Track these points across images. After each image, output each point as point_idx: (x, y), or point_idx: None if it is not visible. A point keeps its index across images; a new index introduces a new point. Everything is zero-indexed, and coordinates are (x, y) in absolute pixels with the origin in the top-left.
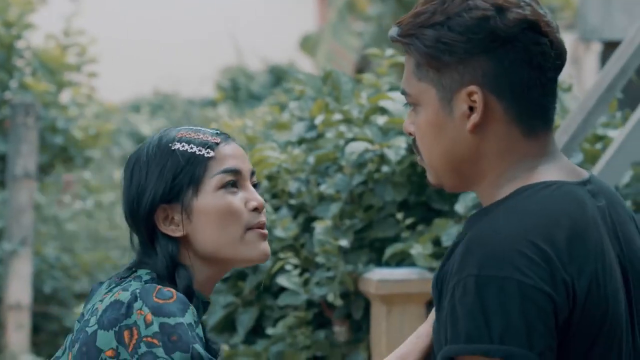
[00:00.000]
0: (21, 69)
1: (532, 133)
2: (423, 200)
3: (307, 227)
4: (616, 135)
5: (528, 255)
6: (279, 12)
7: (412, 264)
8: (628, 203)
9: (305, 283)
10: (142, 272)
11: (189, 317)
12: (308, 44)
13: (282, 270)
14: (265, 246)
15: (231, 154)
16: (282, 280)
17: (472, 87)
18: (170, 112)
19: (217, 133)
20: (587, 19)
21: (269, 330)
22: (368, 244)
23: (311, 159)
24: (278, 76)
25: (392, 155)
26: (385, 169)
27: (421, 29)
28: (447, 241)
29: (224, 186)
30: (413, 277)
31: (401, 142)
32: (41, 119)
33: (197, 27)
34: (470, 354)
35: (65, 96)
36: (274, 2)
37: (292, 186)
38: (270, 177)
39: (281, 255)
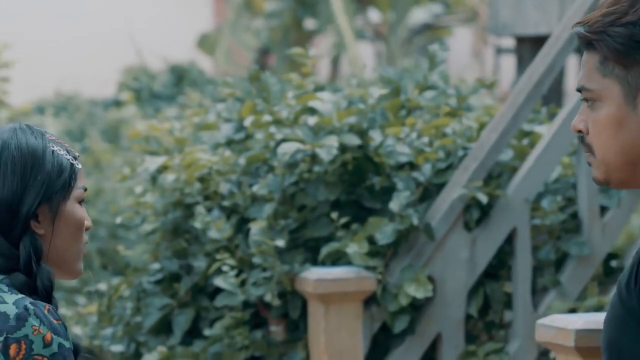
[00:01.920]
0: None
1: None
2: (355, 198)
3: (240, 228)
4: (543, 130)
5: None
6: (175, 10)
7: (347, 262)
8: (558, 198)
9: (242, 284)
10: None
11: (69, 341)
12: (206, 43)
13: (217, 271)
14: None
15: (81, 173)
16: (218, 282)
17: None
18: (75, 113)
19: (70, 147)
20: (498, 14)
21: (206, 332)
22: (303, 244)
23: (242, 160)
24: (179, 75)
25: (324, 154)
26: (317, 168)
27: (612, 27)
28: (382, 239)
29: (80, 201)
30: (350, 275)
31: (333, 142)
32: None
33: (95, 26)
34: None
35: None
36: (169, 0)
37: (224, 188)
38: (201, 179)
39: (217, 256)
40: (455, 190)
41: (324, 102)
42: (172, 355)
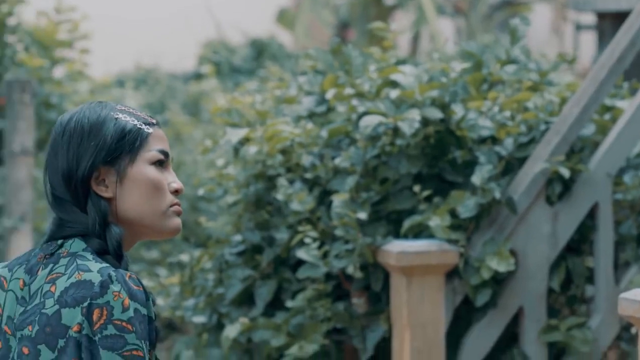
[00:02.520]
0: (13, 46)
1: None
2: (437, 172)
3: (322, 201)
4: (625, 105)
5: None
6: None
7: (429, 236)
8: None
9: (324, 256)
10: (77, 247)
11: (149, 309)
12: (285, 18)
13: (299, 243)
14: (179, 222)
15: (163, 138)
16: (301, 253)
17: None
18: (154, 86)
19: (150, 116)
20: None
21: (289, 303)
22: (385, 217)
23: (324, 133)
24: (259, 49)
25: (406, 128)
26: (399, 141)
27: None
28: (464, 213)
29: (155, 163)
30: (433, 248)
31: (415, 115)
32: (36, 95)
33: (175, 1)
34: None
35: (58, 72)
36: None
37: (306, 160)
38: (284, 152)
39: (299, 228)
40: (537, 164)
41: (406, 75)
42: (254, 327)
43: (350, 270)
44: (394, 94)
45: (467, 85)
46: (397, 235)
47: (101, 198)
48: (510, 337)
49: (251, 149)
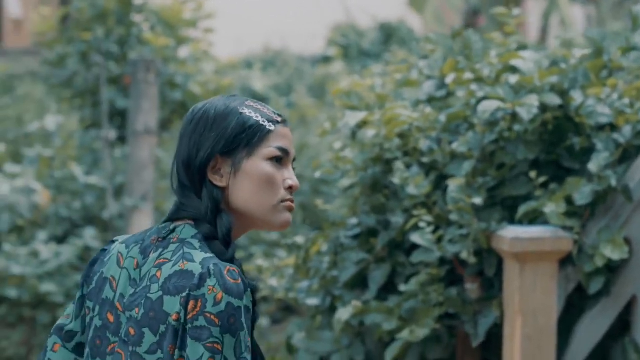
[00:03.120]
0: (139, 25)
1: None
2: (554, 158)
3: (439, 185)
4: None
5: None
6: None
7: (544, 222)
8: None
9: (439, 240)
10: (187, 234)
11: (247, 299)
12: (417, 2)
13: (414, 227)
14: (290, 216)
15: (285, 136)
16: (415, 238)
17: None
18: (282, 68)
19: (279, 114)
20: None
21: (402, 287)
22: (500, 202)
23: (442, 118)
24: (388, 33)
25: (524, 113)
26: (517, 127)
27: None
28: (580, 200)
29: (272, 159)
30: (547, 235)
31: (533, 101)
32: (161, 74)
33: None
34: None
35: (183, 52)
36: None
37: (424, 144)
38: (401, 135)
39: (414, 212)
40: None
41: (526, 61)
42: (367, 310)
43: (464, 255)
44: (513, 79)
45: (587, 72)
46: (512, 221)
47: (215, 186)
48: (622, 326)
49: (369, 132)
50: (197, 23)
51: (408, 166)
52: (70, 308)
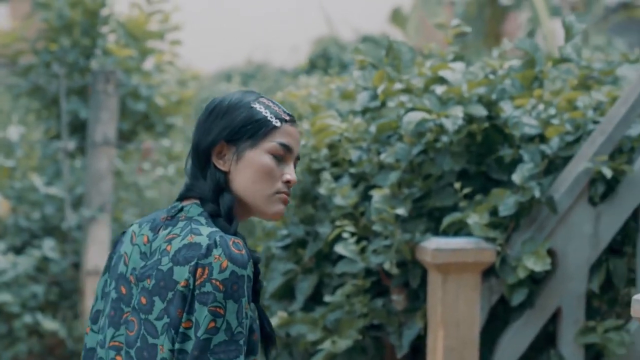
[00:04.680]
0: (105, 36)
1: None
2: (482, 170)
3: (367, 196)
4: None
5: None
6: None
7: (469, 233)
8: None
9: (363, 251)
10: (194, 212)
11: (249, 269)
12: (398, 17)
13: (340, 238)
14: (283, 208)
15: (290, 134)
16: (339, 248)
17: None
18: (262, 81)
19: (289, 113)
20: None
21: (327, 298)
22: (426, 213)
23: (373, 128)
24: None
25: (449, 125)
26: (444, 138)
27: None
28: (503, 211)
29: (273, 153)
30: (469, 246)
31: (458, 112)
32: (122, 85)
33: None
34: None
35: (148, 63)
36: None
37: (354, 155)
38: (331, 146)
39: (337, 222)
40: (580, 163)
41: (455, 72)
42: (292, 321)
43: (387, 266)
44: (440, 90)
45: (517, 83)
46: (437, 232)
47: (218, 170)
48: (547, 337)
49: None
50: (164, 35)
51: (338, 177)
52: (98, 290)
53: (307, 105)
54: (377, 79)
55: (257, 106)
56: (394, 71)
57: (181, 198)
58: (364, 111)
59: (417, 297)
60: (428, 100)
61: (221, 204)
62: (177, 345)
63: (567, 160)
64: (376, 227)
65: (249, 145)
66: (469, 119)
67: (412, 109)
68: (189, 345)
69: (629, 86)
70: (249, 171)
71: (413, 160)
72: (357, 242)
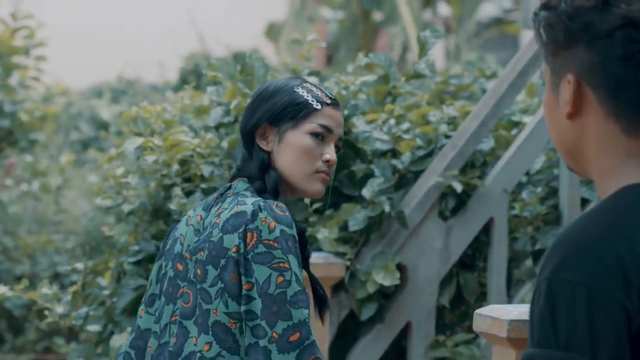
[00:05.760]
0: None
1: (635, 132)
2: (335, 185)
3: None
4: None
5: (604, 261)
6: None
7: (320, 248)
8: (538, 189)
9: None
10: (241, 188)
11: (295, 230)
12: (273, 32)
13: None
14: (322, 187)
15: (331, 116)
16: None
17: (570, 76)
18: (133, 97)
19: (331, 97)
20: (529, 6)
21: None
22: None
23: (225, 144)
24: (241, 63)
25: None
26: None
27: (542, 10)
28: (353, 226)
29: (313, 134)
30: (319, 261)
31: None
32: None
33: (164, 14)
34: (538, 357)
35: (13, 79)
36: None
37: (205, 170)
38: (183, 162)
39: None
40: (431, 178)
41: None
42: None
43: None
44: None
45: (371, 99)
46: None
47: (262, 150)
48: (397, 352)
49: (149, 159)
50: (29, 51)
51: (190, 192)
52: (153, 275)
53: (161, 121)
54: (229, 94)
55: (299, 90)
56: (246, 87)
57: (232, 179)
58: (218, 126)
59: None
60: None
61: (267, 181)
62: (243, 308)
63: (418, 174)
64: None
65: (290, 127)
66: None
67: None
68: (256, 305)
69: (480, 101)
70: (290, 151)
71: None
72: None
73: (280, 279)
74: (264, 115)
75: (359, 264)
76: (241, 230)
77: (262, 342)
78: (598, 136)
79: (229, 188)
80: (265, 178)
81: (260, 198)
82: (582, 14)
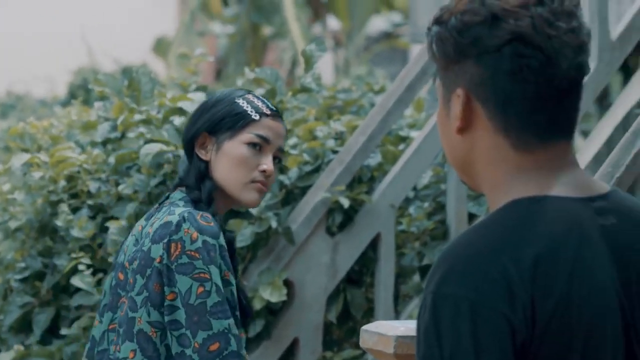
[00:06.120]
0: None
1: (525, 147)
2: None
3: (105, 227)
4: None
5: (489, 274)
6: (139, 13)
7: None
8: (425, 205)
9: (99, 283)
10: (176, 197)
11: (222, 239)
12: (161, 47)
13: (77, 270)
14: (257, 197)
15: (269, 127)
16: (75, 281)
17: (460, 90)
18: (21, 112)
19: (272, 109)
20: (417, 21)
21: (63, 331)
22: None
23: (112, 160)
24: (130, 77)
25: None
26: None
27: (433, 25)
28: (240, 242)
29: (250, 144)
30: None
31: None
32: None
33: (53, 28)
34: None
35: None
36: (134, 2)
37: (92, 186)
38: (70, 177)
39: (73, 255)
40: (318, 193)
41: (194, 102)
42: (28, 354)
43: None
44: (178, 121)
45: None
46: None
47: (200, 159)
48: None
49: (35, 175)
50: None
51: (77, 209)
52: (106, 285)
53: (48, 137)
54: (116, 109)
55: (240, 101)
56: (133, 102)
57: (174, 188)
58: (105, 142)
59: None
60: (166, 131)
61: (202, 190)
62: (167, 318)
63: (305, 190)
64: (113, 259)
65: (228, 137)
66: None
67: (151, 141)
68: (181, 315)
69: (367, 115)
70: (226, 160)
71: (151, 191)
72: (94, 274)
73: (201, 289)
74: (204, 124)
75: (246, 280)
76: (165, 240)
77: (188, 352)
78: (488, 151)
79: (167, 197)
80: (201, 188)
81: (189, 208)
82: (471, 29)
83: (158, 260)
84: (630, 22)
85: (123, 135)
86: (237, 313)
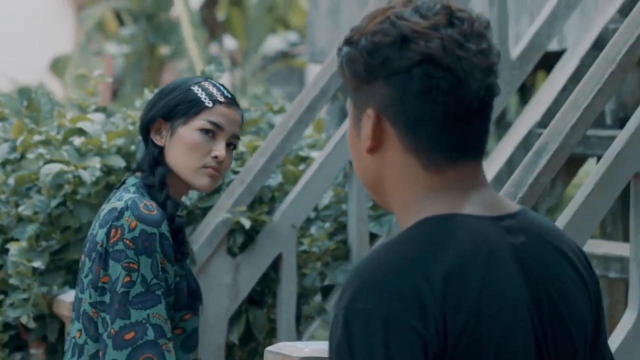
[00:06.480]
0: None
1: (435, 167)
2: None
3: (5, 249)
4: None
5: (399, 289)
6: (35, 32)
7: None
8: (327, 225)
9: (0, 305)
10: (130, 183)
11: (164, 227)
12: (58, 66)
13: None
14: (210, 182)
15: (223, 114)
16: None
17: (370, 110)
18: None
19: (228, 97)
20: (314, 40)
21: None
22: (65, 266)
23: (12, 180)
24: (27, 98)
25: (86, 176)
26: (82, 190)
27: (344, 46)
28: None
29: (203, 130)
30: None
31: (96, 163)
32: None
33: None
34: None
35: None
36: (30, 21)
37: None
38: None
39: None
40: (219, 214)
41: (94, 123)
42: None
43: (24, 320)
44: (78, 141)
45: None
46: (75, 285)
47: (155, 145)
48: None
49: None
50: None
51: None
52: None
53: None
54: (15, 130)
55: (194, 88)
56: (32, 122)
57: (132, 172)
58: (4, 163)
59: (56, 351)
60: (66, 152)
61: (156, 175)
62: (98, 299)
63: (206, 211)
64: (13, 281)
65: (181, 123)
66: (108, 170)
67: (51, 161)
68: (107, 298)
69: (267, 136)
70: (179, 146)
71: (52, 212)
72: None
73: (127, 278)
74: (159, 111)
75: None
76: (108, 226)
77: (104, 335)
78: (398, 170)
79: (123, 183)
80: (155, 173)
81: (136, 195)
82: (381, 50)
83: (100, 244)
84: (530, 41)
85: (22, 156)
86: (170, 299)
